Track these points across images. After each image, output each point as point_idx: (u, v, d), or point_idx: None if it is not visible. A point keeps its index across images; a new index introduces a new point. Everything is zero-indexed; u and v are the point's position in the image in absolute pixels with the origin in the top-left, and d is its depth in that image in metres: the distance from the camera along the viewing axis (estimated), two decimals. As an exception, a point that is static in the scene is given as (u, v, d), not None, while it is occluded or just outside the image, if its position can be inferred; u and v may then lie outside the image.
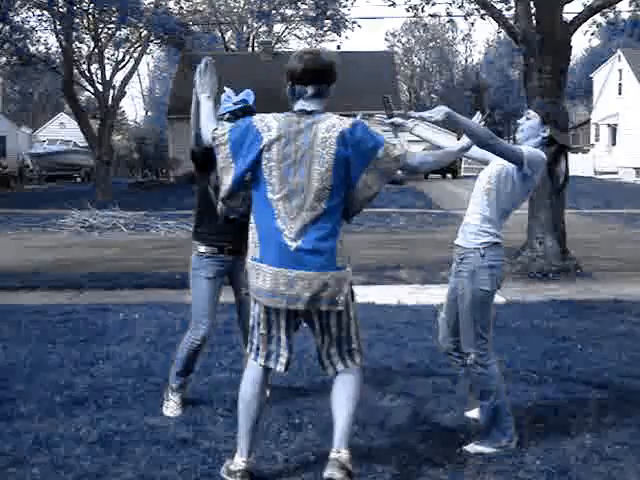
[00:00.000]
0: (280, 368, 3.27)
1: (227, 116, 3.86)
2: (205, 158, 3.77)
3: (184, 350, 4.13)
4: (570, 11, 10.40)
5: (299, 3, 29.73)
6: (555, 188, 3.87)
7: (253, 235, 3.17)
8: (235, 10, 40.74)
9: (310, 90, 3.10)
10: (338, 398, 3.23)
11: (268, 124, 3.10)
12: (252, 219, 3.18)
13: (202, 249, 4.05)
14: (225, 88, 3.94)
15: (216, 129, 3.23)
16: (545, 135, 3.68)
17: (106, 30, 25.92)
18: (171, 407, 4.15)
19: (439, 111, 3.33)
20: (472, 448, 3.58)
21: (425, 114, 3.40)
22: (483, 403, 3.62)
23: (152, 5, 24.52)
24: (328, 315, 3.21)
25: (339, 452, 3.14)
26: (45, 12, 23.74)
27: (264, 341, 3.26)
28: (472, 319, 3.58)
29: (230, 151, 3.14)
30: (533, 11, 9.34)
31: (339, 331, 3.24)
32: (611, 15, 12.43)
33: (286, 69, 3.14)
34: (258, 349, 3.28)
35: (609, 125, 39.15)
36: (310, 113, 3.10)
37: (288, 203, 3.07)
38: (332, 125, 3.07)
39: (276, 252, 3.08)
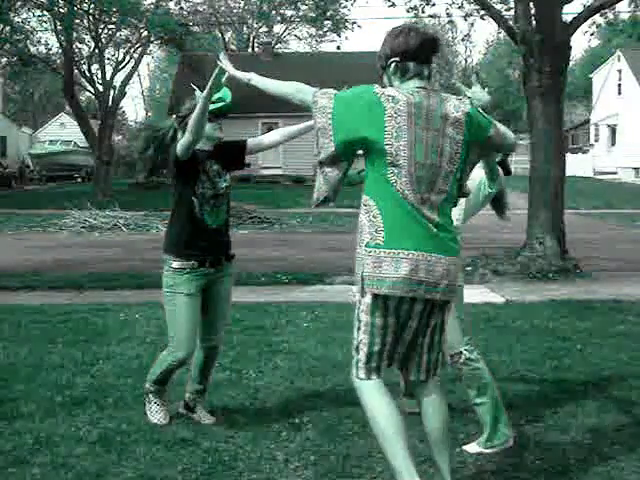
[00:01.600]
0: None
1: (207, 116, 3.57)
2: (190, 166, 3.60)
3: (162, 366, 3.84)
4: (570, 11, 10.42)
5: (299, 4, 29.74)
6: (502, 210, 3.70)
7: (373, 219, 2.78)
8: (235, 10, 40.76)
9: (426, 69, 2.88)
10: (433, 427, 2.99)
11: (393, 95, 2.77)
12: (370, 201, 2.80)
13: (178, 264, 3.73)
14: (194, 88, 3.73)
15: (317, 90, 2.90)
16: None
17: (106, 30, 25.94)
18: (156, 412, 3.92)
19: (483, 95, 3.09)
20: (472, 448, 3.58)
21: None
22: (482, 400, 3.61)
23: (152, 6, 24.54)
24: (442, 309, 2.89)
25: None
26: (45, 13, 23.74)
27: (381, 346, 2.83)
28: (458, 318, 3.58)
29: (337, 113, 2.79)
30: (533, 11, 9.34)
31: (440, 332, 2.93)
32: (611, 15, 12.42)
33: (398, 45, 2.84)
34: (370, 360, 2.84)
35: (608, 125, 39.16)
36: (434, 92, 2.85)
37: (417, 185, 2.76)
38: (457, 105, 2.84)
39: (412, 236, 2.76)
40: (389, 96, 2.76)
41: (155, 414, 3.93)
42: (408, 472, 2.80)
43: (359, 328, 2.84)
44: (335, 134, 2.79)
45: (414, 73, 2.85)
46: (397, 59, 2.85)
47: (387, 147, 2.74)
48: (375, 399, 2.86)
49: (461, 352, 3.58)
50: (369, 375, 2.85)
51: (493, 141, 2.94)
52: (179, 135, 3.68)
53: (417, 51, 2.84)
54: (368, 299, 2.79)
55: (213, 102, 3.58)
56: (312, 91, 2.90)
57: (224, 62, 3.29)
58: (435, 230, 2.78)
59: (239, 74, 3.20)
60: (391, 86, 2.88)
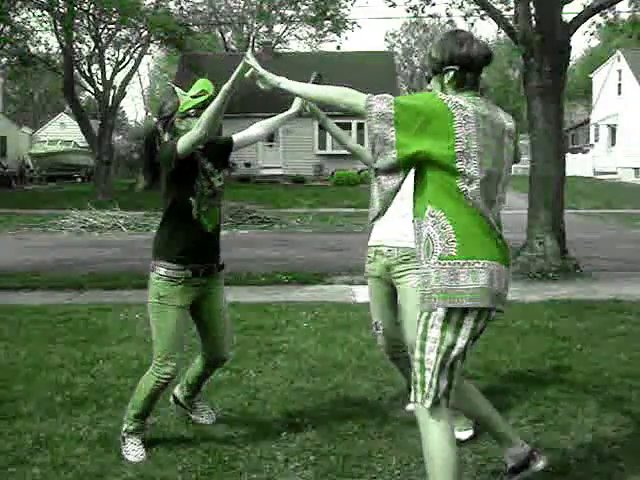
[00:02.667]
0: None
1: (192, 112, 3.45)
2: (188, 164, 3.40)
3: (147, 391, 3.53)
4: (570, 11, 10.39)
5: (299, 3, 29.74)
6: None
7: (442, 230, 2.67)
8: (235, 10, 40.76)
9: (480, 81, 2.80)
10: (483, 401, 3.03)
11: (460, 103, 2.67)
12: (437, 212, 2.68)
13: (172, 273, 3.43)
14: (173, 86, 3.62)
15: (371, 95, 2.76)
16: None
17: (106, 30, 25.93)
18: (132, 451, 3.54)
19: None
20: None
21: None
22: None
23: (152, 6, 24.54)
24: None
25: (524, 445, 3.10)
26: (45, 12, 23.74)
27: (450, 365, 2.69)
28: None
29: (400, 120, 2.64)
30: (533, 11, 9.34)
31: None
32: (611, 15, 12.41)
33: (460, 54, 2.73)
34: (439, 382, 2.69)
35: (608, 125, 39.15)
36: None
37: (485, 194, 2.68)
38: (507, 115, 2.88)
39: (484, 245, 2.68)
40: (456, 103, 2.66)
41: (133, 452, 3.54)
42: None
43: (425, 346, 2.69)
44: (398, 142, 2.65)
45: (471, 84, 2.78)
46: (456, 68, 2.74)
47: (458, 155, 2.63)
48: (437, 435, 2.69)
49: None
50: (437, 401, 2.70)
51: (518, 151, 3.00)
52: (165, 136, 3.49)
53: (477, 62, 2.77)
54: (441, 313, 2.66)
55: (195, 96, 3.47)
56: (364, 95, 2.76)
57: (251, 60, 3.11)
58: (500, 240, 2.74)
59: (269, 75, 3.04)
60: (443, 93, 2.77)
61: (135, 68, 28.48)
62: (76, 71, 26.37)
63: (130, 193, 25.39)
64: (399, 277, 3.78)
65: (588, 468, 3.36)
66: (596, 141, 40.82)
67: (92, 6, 23.11)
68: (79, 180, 36.17)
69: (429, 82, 2.85)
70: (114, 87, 26.96)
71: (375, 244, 3.91)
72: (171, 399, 3.96)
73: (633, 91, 35.97)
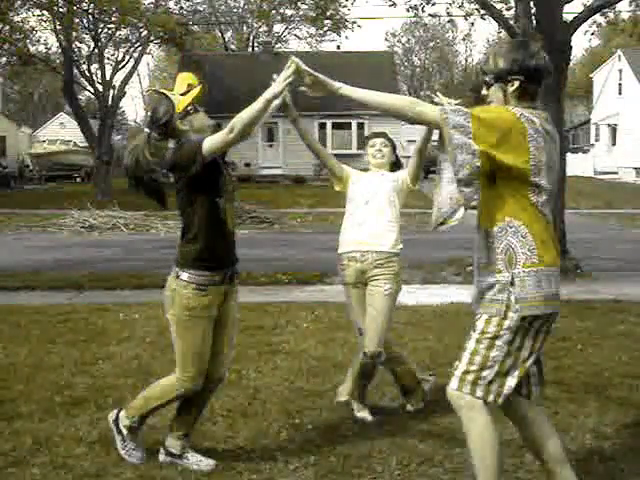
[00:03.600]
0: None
1: (191, 109, 3.29)
2: (215, 163, 3.18)
3: (162, 400, 3.39)
4: (570, 11, 10.39)
5: (299, 3, 29.72)
6: None
7: (523, 239, 2.75)
8: (235, 10, 40.77)
9: (538, 92, 2.89)
10: (546, 428, 2.94)
11: (529, 117, 2.74)
12: (515, 222, 2.75)
13: (202, 280, 3.20)
14: (155, 89, 3.46)
15: (443, 106, 2.82)
16: None
17: (106, 30, 25.92)
18: (133, 449, 3.46)
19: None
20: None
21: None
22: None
23: (152, 5, 24.54)
24: None
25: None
26: (45, 12, 23.73)
27: (512, 367, 2.77)
28: (390, 318, 3.98)
29: (479, 134, 2.66)
30: (533, 11, 9.34)
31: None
32: (611, 15, 12.43)
33: (529, 65, 2.76)
34: (495, 381, 2.77)
35: (609, 125, 39.15)
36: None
37: (550, 202, 2.82)
38: (553, 127, 2.90)
39: (553, 251, 2.81)
40: (528, 118, 2.73)
41: (134, 453, 3.45)
42: None
43: (492, 346, 2.75)
44: (480, 152, 2.67)
45: (532, 96, 2.83)
46: (522, 78, 2.77)
47: (532, 168, 2.71)
48: (484, 425, 2.78)
49: (381, 352, 3.92)
50: (487, 397, 2.78)
51: None
52: (169, 142, 3.26)
53: (543, 75, 2.83)
54: (516, 317, 2.73)
55: (184, 93, 3.28)
56: (435, 106, 2.79)
57: (303, 65, 2.97)
58: (557, 246, 2.89)
59: (328, 81, 2.91)
60: (505, 102, 2.81)
61: (135, 68, 28.45)
62: (76, 71, 26.36)
63: (130, 193, 25.34)
64: (372, 281, 3.96)
65: (588, 468, 3.36)
66: (596, 141, 40.82)
67: (92, 5, 23.09)
68: (79, 180, 36.16)
69: (487, 88, 2.87)
70: (114, 87, 26.94)
71: (347, 251, 4.03)
72: (161, 456, 3.49)
73: (634, 91, 35.97)
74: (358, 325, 4.04)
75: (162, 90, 3.35)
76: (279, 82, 3.04)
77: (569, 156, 24.71)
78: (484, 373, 2.76)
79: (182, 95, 3.28)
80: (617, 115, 37.57)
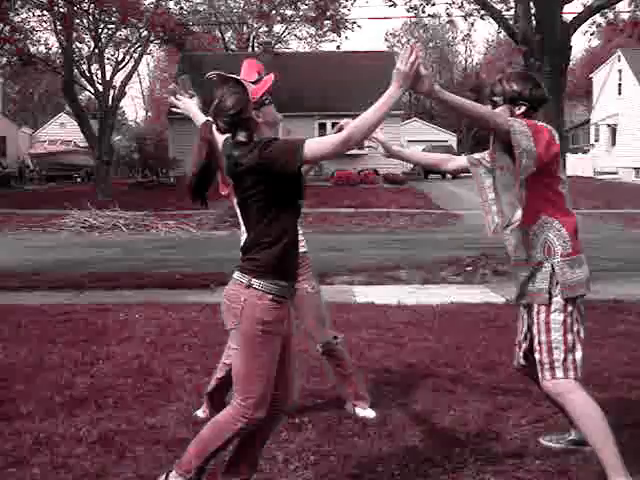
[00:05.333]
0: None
1: (266, 100, 3.07)
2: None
3: (223, 439, 2.91)
4: (570, 11, 10.42)
5: (299, 3, 29.71)
6: None
7: (558, 233, 3.24)
8: (235, 10, 40.75)
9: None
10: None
11: (550, 128, 3.26)
12: (549, 218, 3.21)
13: (279, 291, 2.86)
14: (223, 74, 2.92)
15: (508, 117, 3.15)
16: None
17: (106, 30, 25.94)
18: None
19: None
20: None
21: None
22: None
23: (152, 5, 24.54)
24: None
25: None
26: (45, 12, 23.74)
27: (580, 345, 3.35)
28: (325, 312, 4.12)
29: (535, 140, 3.10)
30: (533, 11, 9.34)
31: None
32: (611, 15, 12.43)
33: (535, 95, 3.28)
34: (574, 360, 3.32)
35: (609, 125, 39.14)
36: None
37: (569, 197, 3.30)
38: None
39: (579, 242, 3.36)
40: (550, 127, 3.24)
41: None
42: (623, 467, 3.08)
43: (551, 330, 3.25)
44: (539, 154, 3.09)
45: (532, 118, 3.25)
46: (528, 104, 3.26)
47: (560, 165, 3.23)
48: (589, 398, 3.19)
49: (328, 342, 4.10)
50: (576, 375, 3.26)
51: None
52: (240, 135, 2.87)
53: (543, 103, 3.32)
54: (562, 301, 3.25)
55: (255, 81, 2.98)
56: (505, 117, 3.14)
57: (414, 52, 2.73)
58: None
59: (430, 79, 2.85)
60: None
61: (135, 68, 28.48)
62: (76, 71, 26.39)
63: (130, 193, 25.38)
64: (306, 279, 4.03)
65: (588, 468, 3.36)
66: (596, 141, 40.81)
67: (92, 6, 23.10)
68: (79, 180, 36.18)
69: (494, 106, 3.28)
70: (114, 87, 26.98)
71: None
72: None
73: (633, 91, 35.96)
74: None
75: (232, 75, 2.92)
76: (404, 73, 2.69)
77: (569, 156, 24.75)
78: (568, 356, 3.26)
79: (254, 84, 2.95)
80: (617, 115, 37.56)
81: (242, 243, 3.64)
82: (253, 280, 2.82)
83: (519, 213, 3.21)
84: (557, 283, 3.21)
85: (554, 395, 3.23)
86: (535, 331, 3.29)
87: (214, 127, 2.93)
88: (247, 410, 2.85)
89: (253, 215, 2.87)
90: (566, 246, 3.25)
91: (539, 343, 3.25)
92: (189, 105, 3.49)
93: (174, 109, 3.54)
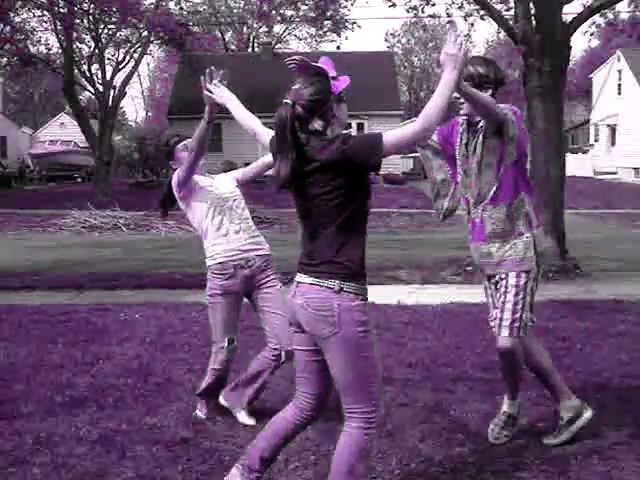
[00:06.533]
0: None
1: (343, 95, 2.91)
2: None
3: (364, 454, 2.86)
4: (570, 11, 10.42)
5: (299, 3, 29.73)
6: None
7: (529, 208, 3.58)
8: (235, 10, 40.76)
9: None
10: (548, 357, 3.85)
11: None
12: (525, 196, 3.57)
13: (365, 292, 2.84)
14: (308, 61, 2.85)
15: (498, 105, 3.44)
16: None
17: (106, 30, 25.94)
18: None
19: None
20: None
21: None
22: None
23: (152, 5, 24.54)
24: None
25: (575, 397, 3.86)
26: (46, 12, 23.74)
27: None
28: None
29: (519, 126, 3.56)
30: (533, 11, 9.34)
31: None
32: (611, 15, 12.43)
33: (501, 77, 3.56)
34: (526, 319, 3.62)
35: (608, 125, 39.13)
36: None
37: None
38: None
39: None
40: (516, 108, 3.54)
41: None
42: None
43: (525, 295, 3.55)
44: (519, 138, 3.49)
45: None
46: (493, 87, 3.51)
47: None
48: (534, 346, 3.72)
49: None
50: (525, 333, 3.61)
51: None
52: (316, 123, 2.75)
53: (504, 85, 3.56)
54: (536, 268, 3.60)
55: (335, 77, 2.84)
56: (501, 107, 3.39)
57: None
58: None
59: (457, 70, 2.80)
60: None
61: (135, 68, 28.49)
62: (76, 71, 26.39)
63: (130, 193, 25.35)
64: (263, 284, 3.98)
65: (588, 468, 3.36)
66: (596, 141, 40.81)
67: (92, 6, 23.10)
68: (79, 180, 36.18)
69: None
70: (114, 87, 26.98)
71: (231, 259, 3.90)
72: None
73: (633, 91, 35.96)
74: (226, 338, 3.97)
75: (316, 64, 2.82)
76: (455, 56, 2.70)
77: (568, 156, 24.71)
78: (523, 316, 3.54)
79: (333, 79, 2.86)
80: (616, 115, 37.55)
81: (244, 245, 3.64)
82: (343, 284, 2.71)
83: (493, 191, 3.53)
84: (538, 253, 3.59)
85: (504, 350, 3.56)
86: (502, 291, 3.57)
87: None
88: (369, 418, 2.79)
89: (326, 215, 2.72)
90: (536, 220, 3.63)
91: (504, 302, 3.54)
92: (226, 93, 3.31)
93: (208, 93, 3.38)
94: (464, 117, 3.58)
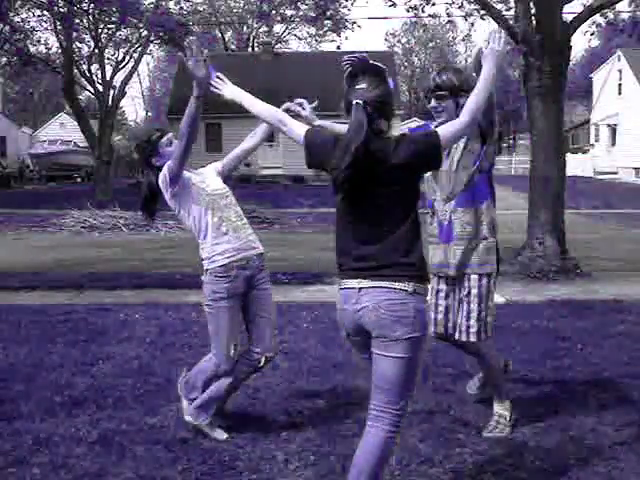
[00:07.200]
0: None
1: None
2: None
3: (391, 450, 2.85)
4: (570, 11, 10.40)
5: (299, 3, 29.72)
6: None
7: (494, 218, 3.71)
8: (235, 10, 40.76)
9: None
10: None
11: None
12: (492, 199, 3.74)
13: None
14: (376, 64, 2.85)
15: None
16: None
17: (106, 30, 25.92)
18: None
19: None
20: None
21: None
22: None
23: (152, 5, 24.53)
24: None
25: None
26: (45, 12, 23.73)
27: None
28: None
29: None
30: (533, 11, 9.33)
31: None
32: (611, 15, 12.41)
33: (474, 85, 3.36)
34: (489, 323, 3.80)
35: (609, 125, 39.15)
36: None
37: None
38: None
39: None
40: None
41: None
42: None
43: (489, 298, 3.68)
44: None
45: None
46: (466, 95, 3.39)
47: None
48: (494, 352, 3.90)
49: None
50: (491, 334, 3.76)
51: None
52: (382, 124, 2.77)
53: None
54: (496, 272, 3.73)
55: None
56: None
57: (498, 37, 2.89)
58: None
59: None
60: (456, 113, 3.39)
61: (135, 68, 28.45)
62: (76, 71, 26.37)
63: (130, 193, 25.32)
64: (260, 284, 3.80)
65: (588, 468, 3.36)
66: (596, 141, 40.82)
67: (92, 6, 23.09)
68: (79, 180, 36.19)
69: (439, 100, 3.58)
70: (114, 87, 26.96)
71: (233, 260, 3.68)
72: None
73: (633, 91, 35.97)
74: (232, 344, 3.69)
75: (377, 64, 2.85)
76: (499, 52, 2.86)
77: (569, 156, 24.74)
78: (488, 319, 3.68)
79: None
80: (617, 115, 37.57)
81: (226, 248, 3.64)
82: (416, 286, 2.71)
83: (465, 193, 3.60)
84: (497, 256, 3.71)
85: (478, 351, 3.77)
86: (465, 294, 3.67)
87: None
88: (402, 417, 2.79)
89: (395, 216, 2.72)
90: (497, 226, 3.75)
91: (470, 311, 3.65)
92: (236, 90, 3.11)
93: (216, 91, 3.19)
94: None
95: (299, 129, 2.99)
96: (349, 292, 2.76)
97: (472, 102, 2.78)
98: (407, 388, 2.77)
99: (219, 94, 3.16)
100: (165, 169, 3.67)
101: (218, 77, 3.17)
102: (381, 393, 2.76)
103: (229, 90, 3.12)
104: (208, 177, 3.85)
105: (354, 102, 2.70)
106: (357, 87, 2.75)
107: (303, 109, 3.63)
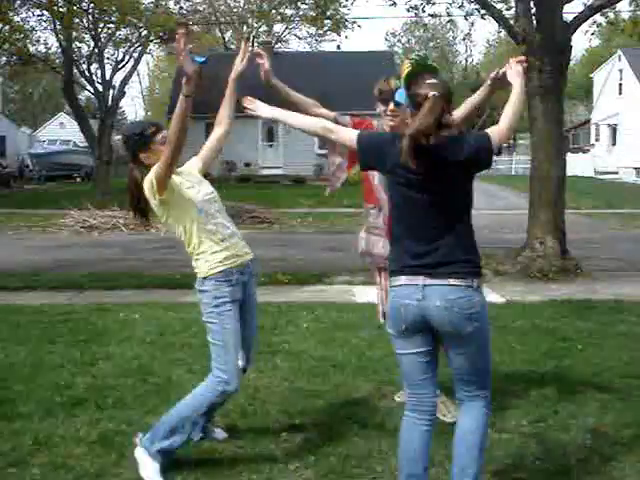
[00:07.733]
0: None
1: None
2: None
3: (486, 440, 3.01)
4: (570, 11, 10.38)
5: (299, 3, 29.71)
6: None
7: None
8: (235, 10, 40.76)
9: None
10: None
11: None
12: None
13: None
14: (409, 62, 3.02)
15: None
16: None
17: (106, 30, 25.92)
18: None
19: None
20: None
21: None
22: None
23: (152, 5, 24.53)
24: None
25: None
26: (45, 12, 23.73)
27: None
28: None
29: None
30: (533, 11, 9.33)
31: None
32: (611, 15, 12.40)
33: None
34: None
35: (609, 125, 39.15)
36: None
37: None
38: None
39: None
40: None
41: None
42: None
43: None
44: None
45: None
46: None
47: None
48: None
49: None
50: None
51: None
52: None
53: None
54: None
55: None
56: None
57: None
58: None
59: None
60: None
61: (134, 68, 28.46)
62: (75, 71, 26.37)
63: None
64: (250, 289, 3.57)
65: (588, 468, 3.36)
66: (597, 141, 40.82)
67: (91, 5, 23.09)
68: (79, 180, 36.17)
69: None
70: (113, 87, 26.96)
71: (233, 266, 3.45)
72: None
73: (634, 90, 35.96)
74: (240, 354, 3.41)
75: (433, 64, 3.05)
76: (518, 72, 3.18)
77: (569, 156, 24.71)
78: None
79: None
80: (617, 115, 37.57)
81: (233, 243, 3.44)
82: (477, 282, 2.81)
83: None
84: None
85: None
86: None
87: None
88: (490, 397, 2.95)
89: (457, 213, 2.80)
90: None
91: None
92: (267, 107, 3.08)
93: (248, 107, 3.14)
94: (389, 126, 3.79)
95: (349, 134, 2.98)
96: (411, 288, 2.78)
97: (509, 113, 2.93)
98: (488, 375, 2.92)
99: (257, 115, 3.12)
100: (152, 174, 3.40)
101: (248, 99, 3.12)
102: (467, 383, 2.93)
103: (266, 110, 3.07)
104: (196, 181, 3.57)
105: (431, 94, 2.69)
106: (427, 82, 2.76)
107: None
